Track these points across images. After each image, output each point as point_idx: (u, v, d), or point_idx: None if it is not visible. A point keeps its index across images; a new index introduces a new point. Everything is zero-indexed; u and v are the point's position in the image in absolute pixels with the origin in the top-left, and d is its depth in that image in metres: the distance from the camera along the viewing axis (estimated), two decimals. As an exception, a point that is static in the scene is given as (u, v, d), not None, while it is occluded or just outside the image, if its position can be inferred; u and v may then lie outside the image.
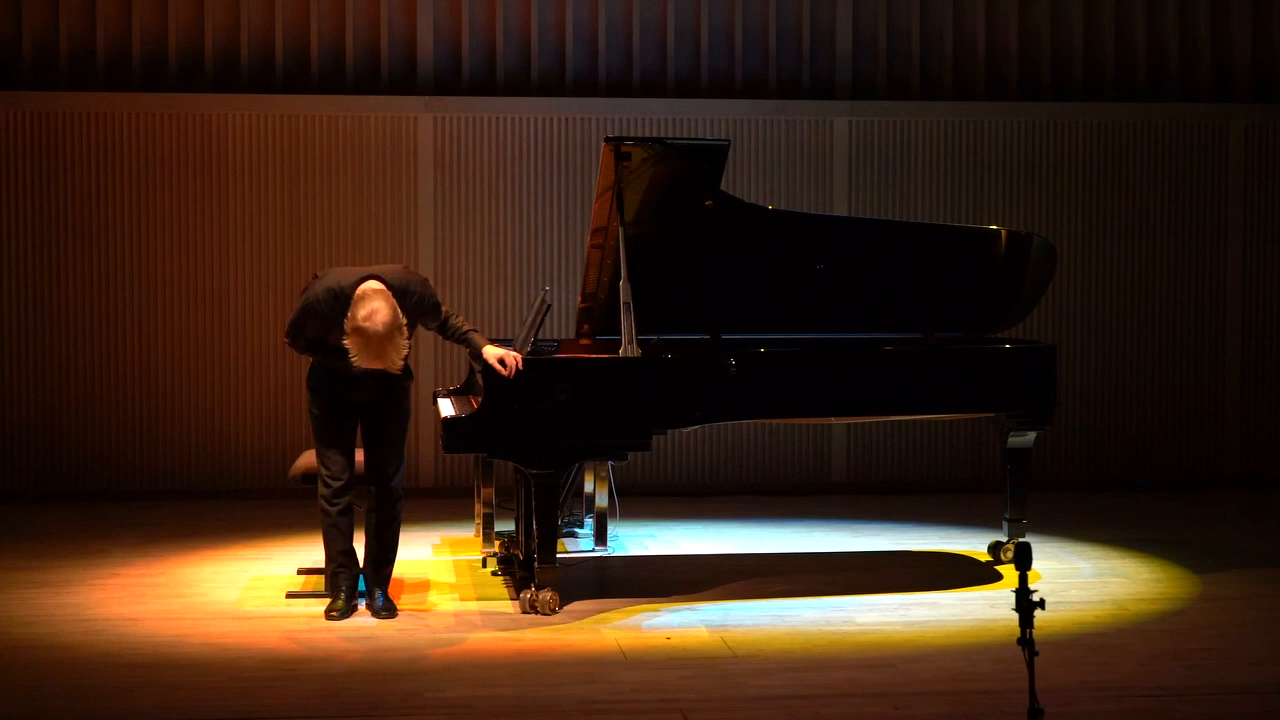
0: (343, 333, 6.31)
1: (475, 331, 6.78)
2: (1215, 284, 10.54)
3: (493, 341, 6.79)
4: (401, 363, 6.40)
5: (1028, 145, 10.40)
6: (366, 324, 6.24)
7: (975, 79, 10.53)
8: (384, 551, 6.75)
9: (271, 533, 8.63)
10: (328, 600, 6.71)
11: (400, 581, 7.18)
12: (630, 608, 6.85)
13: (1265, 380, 10.59)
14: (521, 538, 7.39)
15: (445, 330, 6.74)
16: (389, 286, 6.39)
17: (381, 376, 6.48)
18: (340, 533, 6.69)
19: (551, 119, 10.09)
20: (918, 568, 7.91)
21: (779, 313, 7.79)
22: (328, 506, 6.66)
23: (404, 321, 6.33)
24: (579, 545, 8.14)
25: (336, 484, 6.64)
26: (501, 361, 6.61)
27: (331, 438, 6.63)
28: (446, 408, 7.28)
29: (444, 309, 6.70)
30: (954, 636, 6.43)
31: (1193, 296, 10.53)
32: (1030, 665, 4.38)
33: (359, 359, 6.28)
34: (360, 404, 6.63)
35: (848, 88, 10.40)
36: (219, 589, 7.27)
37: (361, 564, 6.80)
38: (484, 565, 7.67)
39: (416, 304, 6.51)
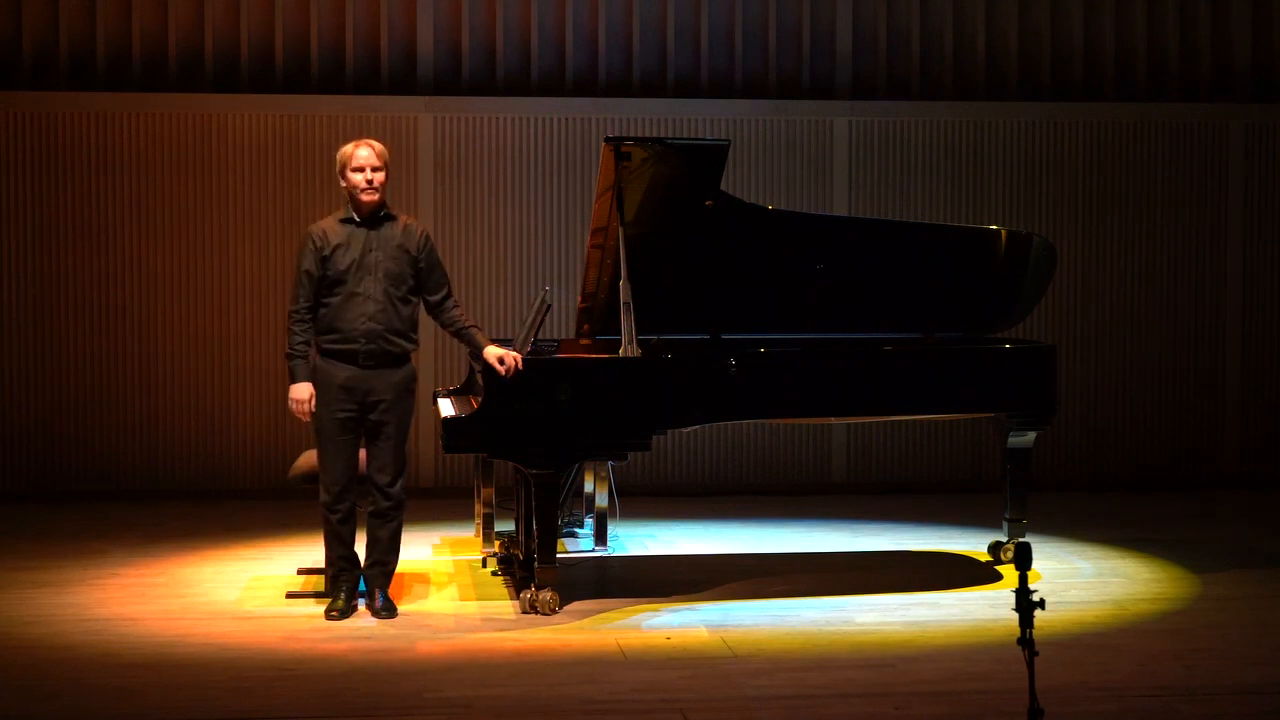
0: (337, 291, 6.61)
1: (476, 328, 6.78)
2: (1215, 284, 10.54)
3: (493, 341, 6.79)
4: (380, 189, 6.59)
5: (1028, 145, 10.40)
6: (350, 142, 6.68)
7: (975, 79, 10.53)
8: (385, 552, 6.73)
9: (271, 533, 8.62)
10: (328, 600, 6.71)
11: (400, 581, 7.18)
12: (630, 608, 6.85)
13: (1265, 380, 10.58)
14: (521, 538, 7.38)
15: (444, 313, 6.73)
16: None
17: (386, 353, 6.53)
18: (341, 540, 6.68)
19: (551, 119, 10.08)
20: (918, 568, 7.91)
21: (779, 313, 7.78)
22: (329, 514, 6.65)
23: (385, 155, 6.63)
24: (579, 545, 8.14)
25: (337, 489, 6.63)
26: (501, 361, 6.60)
27: (333, 442, 6.62)
28: (446, 408, 7.28)
29: (450, 292, 6.74)
30: (954, 636, 6.43)
31: (1193, 296, 10.53)
32: (1030, 665, 4.38)
33: (351, 158, 6.55)
34: (362, 404, 6.62)
35: (848, 88, 10.40)
36: (219, 589, 7.27)
37: (363, 565, 6.79)
38: (484, 565, 7.67)
39: (423, 244, 6.65)
